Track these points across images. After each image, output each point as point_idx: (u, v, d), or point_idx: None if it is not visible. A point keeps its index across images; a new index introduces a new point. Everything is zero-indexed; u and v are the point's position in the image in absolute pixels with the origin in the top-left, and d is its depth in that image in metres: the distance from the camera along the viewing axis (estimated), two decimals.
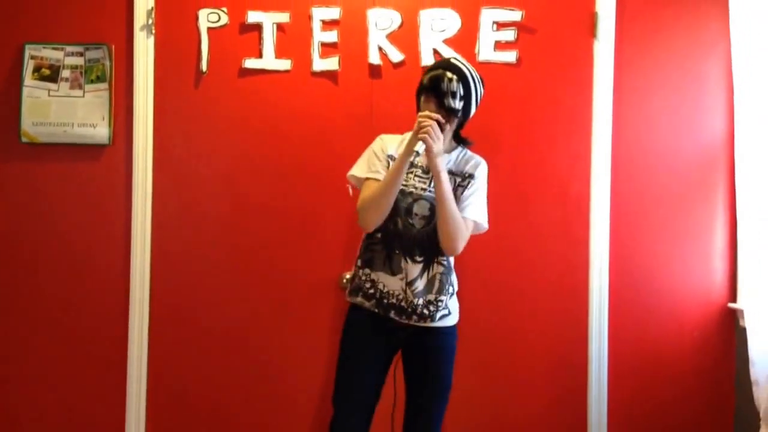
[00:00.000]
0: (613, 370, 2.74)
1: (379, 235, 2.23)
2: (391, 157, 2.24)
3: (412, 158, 2.12)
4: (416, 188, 2.23)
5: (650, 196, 2.77)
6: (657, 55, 2.77)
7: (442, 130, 2.13)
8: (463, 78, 2.19)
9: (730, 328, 2.76)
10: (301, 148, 2.76)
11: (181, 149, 2.77)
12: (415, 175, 2.23)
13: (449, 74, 2.17)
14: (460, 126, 2.27)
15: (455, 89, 2.17)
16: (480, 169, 2.29)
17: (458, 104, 2.18)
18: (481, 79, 2.27)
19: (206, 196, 2.77)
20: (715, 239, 2.76)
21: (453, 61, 2.25)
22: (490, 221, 2.31)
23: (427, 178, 2.22)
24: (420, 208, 2.22)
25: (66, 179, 2.76)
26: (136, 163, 2.74)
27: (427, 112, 2.13)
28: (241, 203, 2.77)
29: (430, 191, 2.21)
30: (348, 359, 2.27)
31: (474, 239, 2.26)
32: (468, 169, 2.28)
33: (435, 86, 2.17)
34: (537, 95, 2.76)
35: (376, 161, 2.25)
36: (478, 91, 2.24)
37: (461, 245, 2.20)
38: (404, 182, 2.20)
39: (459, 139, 2.31)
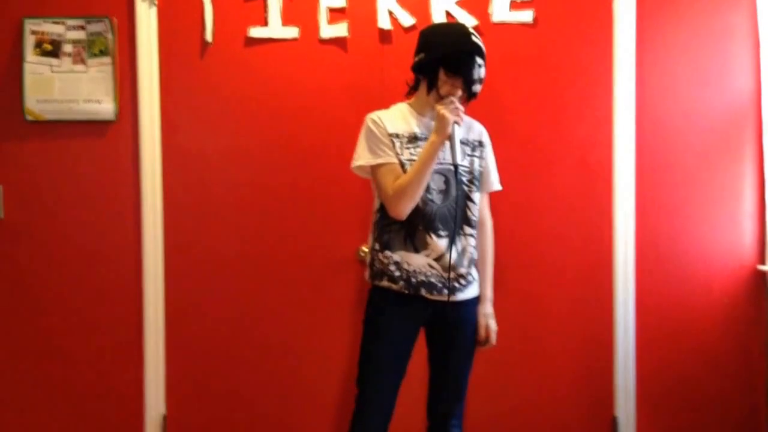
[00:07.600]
0: (640, 339, 2.69)
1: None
2: (394, 135, 2.16)
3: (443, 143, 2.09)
4: None
5: (675, 158, 2.68)
6: (680, 10, 2.67)
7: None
8: (485, 60, 2.15)
9: (760, 291, 2.69)
10: (311, 117, 2.69)
11: (189, 123, 2.71)
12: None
13: (479, 60, 2.13)
14: None
15: (483, 75, 2.15)
16: (485, 135, 2.31)
17: (480, 87, 2.17)
18: None
19: (216, 170, 2.71)
20: (743, 199, 2.69)
21: (476, 40, 2.14)
22: (506, 190, 2.38)
23: None
24: (436, 183, 2.15)
25: (72, 157, 2.70)
26: (143, 138, 2.68)
27: (454, 101, 2.09)
28: (252, 176, 2.71)
29: (441, 163, 2.14)
30: (375, 340, 2.19)
31: (494, 212, 2.26)
32: (474, 136, 2.25)
33: (466, 72, 2.10)
34: (555, 56, 2.67)
35: (381, 145, 2.15)
36: None
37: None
38: (412, 160, 2.13)
39: None
